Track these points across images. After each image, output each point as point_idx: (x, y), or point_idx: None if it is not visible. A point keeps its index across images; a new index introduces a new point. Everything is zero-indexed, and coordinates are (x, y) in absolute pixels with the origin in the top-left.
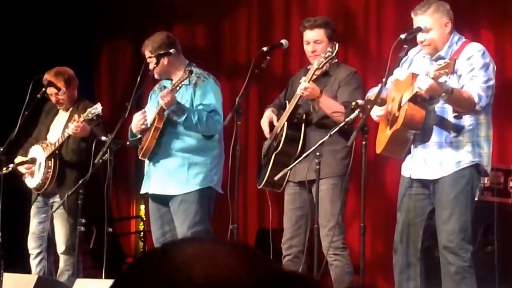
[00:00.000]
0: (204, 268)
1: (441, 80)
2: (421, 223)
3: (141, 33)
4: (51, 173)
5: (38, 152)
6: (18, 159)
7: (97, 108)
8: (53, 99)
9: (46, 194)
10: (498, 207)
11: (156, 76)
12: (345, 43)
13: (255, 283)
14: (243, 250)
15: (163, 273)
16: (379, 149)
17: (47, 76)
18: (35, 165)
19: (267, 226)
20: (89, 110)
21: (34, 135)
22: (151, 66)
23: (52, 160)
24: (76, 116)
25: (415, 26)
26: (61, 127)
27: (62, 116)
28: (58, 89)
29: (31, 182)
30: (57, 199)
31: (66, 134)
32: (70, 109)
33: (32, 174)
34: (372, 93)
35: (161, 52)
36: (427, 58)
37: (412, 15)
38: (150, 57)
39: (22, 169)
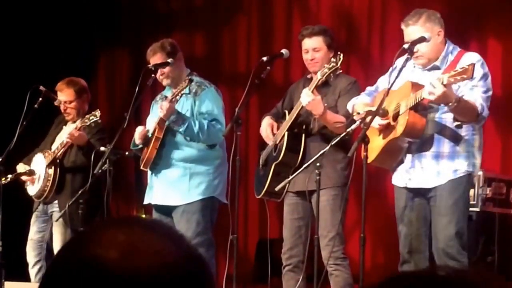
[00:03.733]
0: (120, 252)
1: (454, 88)
2: (426, 232)
3: (139, 42)
4: (51, 181)
5: (39, 160)
6: (20, 166)
7: (96, 114)
8: (61, 107)
9: (46, 202)
10: (500, 217)
11: (168, 82)
12: (347, 51)
13: (176, 261)
14: (170, 235)
15: (75, 260)
16: (369, 158)
17: (59, 84)
18: (34, 176)
19: (268, 236)
20: (87, 116)
21: (41, 146)
22: (161, 72)
23: (53, 168)
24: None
25: (406, 36)
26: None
27: (68, 128)
28: (54, 98)
29: (32, 189)
30: (55, 208)
31: (64, 141)
32: (77, 121)
33: (33, 182)
34: (359, 101)
35: (178, 56)
36: (418, 68)
37: (403, 26)
38: (163, 63)
39: (21, 169)
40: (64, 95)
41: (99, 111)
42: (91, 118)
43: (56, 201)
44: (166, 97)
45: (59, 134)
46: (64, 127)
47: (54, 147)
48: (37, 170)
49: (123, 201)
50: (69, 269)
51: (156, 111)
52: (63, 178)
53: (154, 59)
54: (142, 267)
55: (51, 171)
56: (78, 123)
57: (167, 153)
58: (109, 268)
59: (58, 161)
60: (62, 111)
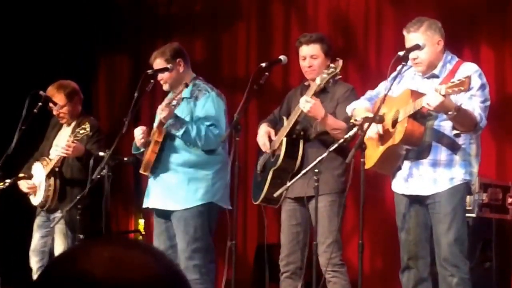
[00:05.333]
0: (106, 269)
1: (452, 97)
2: (426, 238)
3: (139, 46)
4: (52, 191)
5: (38, 169)
6: (21, 182)
7: (86, 128)
8: (54, 112)
9: (50, 211)
10: (496, 223)
11: (166, 88)
12: (344, 58)
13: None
14: (152, 251)
15: (65, 274)
16: (368, 165)
17: (50, 89)
18: (35, 182)
19: (267, 242)
20: (77, 130)
21: (40, 150)
22: (160, 77)
23: (52, 178)
24: (68, 137)
25: (406, 43)
26: (63, 143)
27: (64, 131)
28: (55, 103)
29: (35, 200)
30: (58, 214)
31: (60, 155)
32: (73, 124)
33: (35, 192)
34: (359, 105)
35: (178, 61)
36: (419, 76)
37: (404, 33)
38: (162, 69)
39: (24, 188)
40: (56, 100)
41: (88, 124)
42: (81, 132)
43: (59, 210)
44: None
45: (56, 138)
46: (60, 131)
47: (52, 152)
48: (37, 179)
49: (122, 206)
50: (57, 283)
51: None
52: (63, 186)
53: (155, 64)
54: (126, 281)
55: (51, 181)
56: (70, 137)
57: (166, 157)
58: (95, 282)
59: (57, 169)
60: (56, 115)
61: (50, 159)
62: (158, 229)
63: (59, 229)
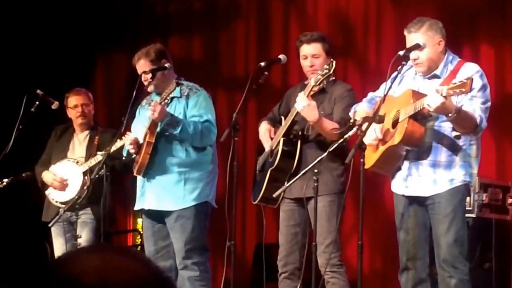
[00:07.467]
0: (97, 272)
1: (453, 98)
2: (426, 239)
3: (136, 45)
4: (87, 189)
5: (70, 166)
6: (46, 174)
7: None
8: (78, 110)
9: (70, 208)
10: (496, 223)
11: (152, 89)
12: (344, 57)
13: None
14: (140, 257)
15: (54, 280)
16: (367, 165)
17: (74, 90)
18: (65, 181)
19: (265, 241)
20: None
21: (45, 159)
22: (144, 78)
23: (88, 176)
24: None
25: (407, 43)
26: (83, 147)
27: (78, 140)
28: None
29: (64, 195)
30: (84, 211)
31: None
32: (87, 132)
33: (63, 188)
34: (360, 108)
35: (163, 62)
36: (419, 76)
37: (405, 33)
38: (151, 69)
39: (50, 180)
40: (82, 99)
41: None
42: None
43: (88, 208)
44: (152, 101)
45: (71, 143)
46: (73, 139)
47: (70, 155)
48: (66, 175)
49: (120, 205)
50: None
51: (144, 117)
52: (94, 186)
53: (139, 65)
54: (114, 286)
55: (87, 179)
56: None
57: (161, 158)
58: (86, 285)
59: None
60: (79, 113)
61: (81, 160)
62: (149, 230)
63: (85, 224)
